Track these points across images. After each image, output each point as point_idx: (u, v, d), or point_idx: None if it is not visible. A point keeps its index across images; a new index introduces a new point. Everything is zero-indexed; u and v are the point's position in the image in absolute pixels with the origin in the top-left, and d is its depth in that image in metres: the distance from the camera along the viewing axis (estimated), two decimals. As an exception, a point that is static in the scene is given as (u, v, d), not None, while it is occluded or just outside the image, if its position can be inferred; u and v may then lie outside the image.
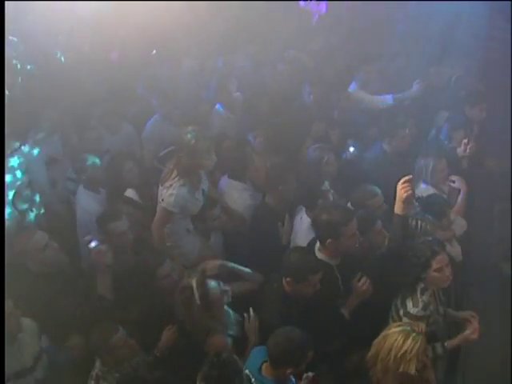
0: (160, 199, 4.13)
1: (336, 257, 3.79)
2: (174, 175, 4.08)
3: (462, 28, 6.82)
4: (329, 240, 3.69)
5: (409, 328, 3.08)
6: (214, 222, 4.40)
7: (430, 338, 3.56)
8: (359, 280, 3.70)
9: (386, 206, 4.14)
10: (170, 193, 4.05)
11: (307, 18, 6.93)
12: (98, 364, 3.40)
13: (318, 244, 3.85)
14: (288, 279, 3.57)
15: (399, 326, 3.14)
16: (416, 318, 3.50)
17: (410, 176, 3.64)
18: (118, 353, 3.35)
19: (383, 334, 3.14)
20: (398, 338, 3.02)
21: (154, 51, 6.44)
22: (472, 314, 3.72)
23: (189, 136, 4.02)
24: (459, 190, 4.75)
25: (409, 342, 2.99)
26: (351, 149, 5.22)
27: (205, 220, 4.36)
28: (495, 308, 4.78)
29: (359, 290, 3.70)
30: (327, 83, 5.80)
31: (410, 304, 3.57)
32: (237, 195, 4.69)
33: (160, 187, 4.17)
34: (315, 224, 3.85)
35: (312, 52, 6.53)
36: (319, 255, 3.79)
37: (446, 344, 3.61)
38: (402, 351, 2.99)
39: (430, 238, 3.76)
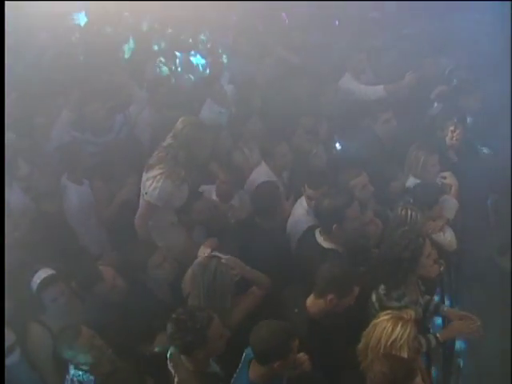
0: (143, 192, 4.01)
1: (341, 244, 3.72)
2: (161, 165, 3.95)
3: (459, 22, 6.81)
4: (334, 225, 3.63)
5: (397, 315, 2.99)
6: (199, 215, 4.29)
7: (423, 328, 3.50)
8: None
9: (372, 188, 4.12)
10: (154, 186, 3.92)
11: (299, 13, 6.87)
12: (71, 369, 3.28)
13: (319, 232, 3.77)
14: (331, 296, 3.23)
15: (387, 314, 3.05)
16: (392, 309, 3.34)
17: None
18: (86, 356, 3.20)
19: (372, 323, 3.05)
20: (386, 326, 2.93)
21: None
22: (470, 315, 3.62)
23: (182, 126, 3.93)
24: (451, 186, 4.66)
25: (398, 328, 2.90)
26: (337, 145, 5.17)
27: (189, 213, 4.24)
28: (494, 303, 4.71)
29: None
30: (317, 76, 5.75)
31: (385, 297, 3.48)
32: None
33: (144, 174, 4.05)
34: (318, 211, 3.79)
35: (303, 46, 6.46)
36: (325, 244, 3.73)
37: (437, 335, 3.52)
38: (392, 339, 2.90)
39: (406, 228, 3.64)
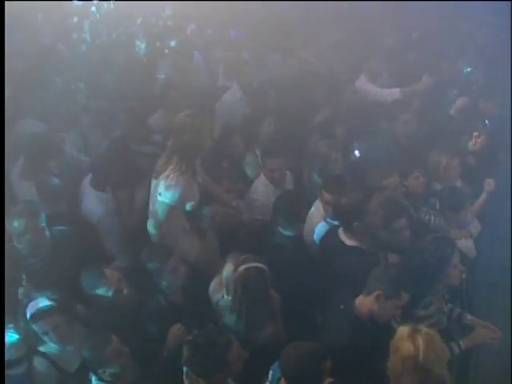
0: (157, 193, 3.92)
1: (365, 240, 3.70)
2: (172, 165, 3.87)
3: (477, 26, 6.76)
4: (355, 223, 3.61)
5: (413, 331, 2.78)
6: (209, 220, 4.23)
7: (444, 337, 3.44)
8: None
9: (403, 189, 4.13)
10: (168, 184, 3.86)
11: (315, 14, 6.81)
12: (93, 381, 3.20)
13: (342, 231, 3.75)
14: (378, 292, 3.18)
15: (401, 335, 2.81)
16: (418, 318, 3.32)
17: None
18: (115, 364, 3.11)
19: (393, 346, 2.80)
20: (409, 347, 2.72)
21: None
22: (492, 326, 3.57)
23: (185, 117, 3.88)
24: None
25: (420, 342, 2.74)
26: (356, 152, 5.11)
27: (200, 218, 4.18)
28: (507, 309, 4.67)
29: None
30: (334, 77, 5.71)
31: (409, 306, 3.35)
32: (263, 189, 4.53)
33: (153, 180, 3.97)
34: (337, 211, 3.77)
35: (320, 47, 6.41)
36: (349, 242, 3.71)
37: (460, 343, 3.46)
38: (420, 358, 2.73)
39: (438, 235, 3.60)
